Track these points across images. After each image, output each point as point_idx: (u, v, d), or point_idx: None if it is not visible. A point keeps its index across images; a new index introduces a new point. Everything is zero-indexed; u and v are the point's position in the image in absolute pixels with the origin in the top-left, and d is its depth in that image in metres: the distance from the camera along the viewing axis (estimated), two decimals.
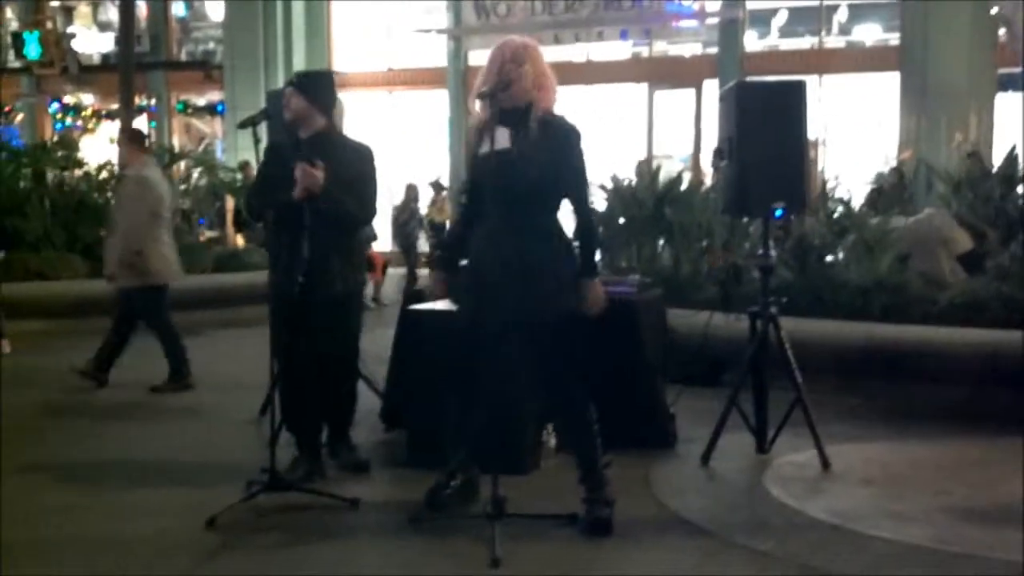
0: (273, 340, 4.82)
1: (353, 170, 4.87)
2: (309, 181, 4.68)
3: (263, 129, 4.86)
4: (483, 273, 4.18)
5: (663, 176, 9.97)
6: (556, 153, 4.15)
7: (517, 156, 4.11)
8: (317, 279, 4.77)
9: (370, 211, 5.09)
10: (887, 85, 17.21)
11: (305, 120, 4.87)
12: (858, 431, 5.97)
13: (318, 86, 5.02)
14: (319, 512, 4.53)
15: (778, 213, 5.30)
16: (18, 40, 22.26)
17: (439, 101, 19.95)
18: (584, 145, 4.24)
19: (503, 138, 4.13)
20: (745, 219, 7.92)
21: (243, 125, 4.66)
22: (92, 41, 23.33)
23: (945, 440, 5.77)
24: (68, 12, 23.89)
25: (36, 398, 7.06)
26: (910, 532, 4.23)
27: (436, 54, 20.22)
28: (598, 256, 4.89)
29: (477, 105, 4.24)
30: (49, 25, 22.32)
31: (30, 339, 8.91)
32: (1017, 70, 15.75)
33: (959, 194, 9.47)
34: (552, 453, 5.23)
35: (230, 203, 15.35)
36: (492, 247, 4.15)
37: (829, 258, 8.24)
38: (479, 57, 17.45)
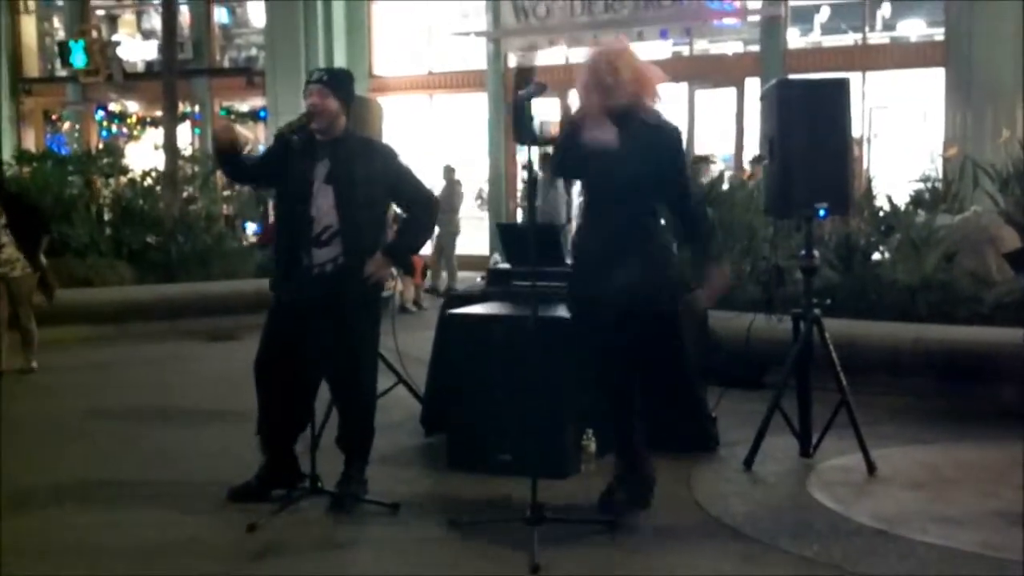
0: None
1: (382, 174, 4.60)
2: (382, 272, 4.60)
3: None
4: (587, 268, 4.36)
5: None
6: (662, 154, 4.30)
7: (626, 155, 4.20)
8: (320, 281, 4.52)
9: (432, 201, 4.80)
10: (932, 81, 16.96)
11: (334, 122, 4.53)
12: (904, 434, 5.88)
13: (347, 85, 4.65)
14: (360, 517, 4.54)
15: (822, 213, 5.23)
16: (64, 49, 22.58)
17: (479, 104, 19.95)
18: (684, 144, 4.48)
19: (608, 136, 4.20)
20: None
21: (280, 133, 4.54)
22: (136, 49, 23.56)
23: (994, 442, 5.65)
24: (113, 20, 24.16)
25: (77, 403, 7.13)
26: (958, 537, 4.16)
27: (475, 57, 20.22)
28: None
29: (574, 101, 4.35)
30: (95, 34, 22.59)
31: (75, 345, 9.01)
32: None
33: (1006, 191, 9.30)
34: (592, 457, 5.19)
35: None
36: (595, 242, 4.31)
37: (875, 257, 8.12)
38: (518, 59, 17.45)
